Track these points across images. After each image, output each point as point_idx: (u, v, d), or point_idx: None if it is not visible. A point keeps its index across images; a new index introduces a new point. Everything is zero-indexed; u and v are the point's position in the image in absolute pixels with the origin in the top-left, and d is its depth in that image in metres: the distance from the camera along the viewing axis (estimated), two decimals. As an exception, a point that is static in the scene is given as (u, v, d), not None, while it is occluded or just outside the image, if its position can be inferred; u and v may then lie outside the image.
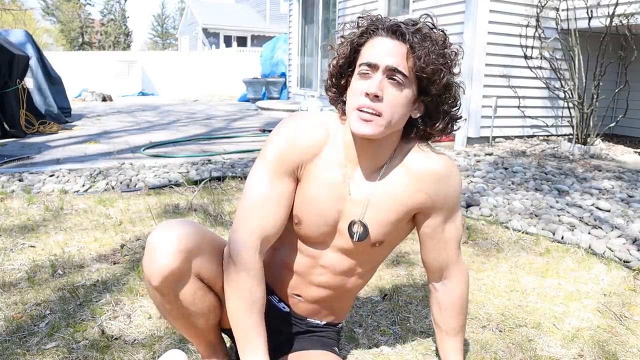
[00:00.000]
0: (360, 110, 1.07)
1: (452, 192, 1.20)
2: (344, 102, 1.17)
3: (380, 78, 1.05)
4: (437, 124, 1.17)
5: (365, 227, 1.19)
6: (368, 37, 1.10)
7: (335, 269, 1.25)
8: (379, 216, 1.18)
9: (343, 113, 1.18)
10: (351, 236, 1.20)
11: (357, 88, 1.08)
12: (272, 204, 1.14)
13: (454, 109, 1.17)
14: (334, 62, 1.16)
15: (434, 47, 1.07)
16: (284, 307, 1.33)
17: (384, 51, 1.06)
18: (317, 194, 1.17)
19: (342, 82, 1.17)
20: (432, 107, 1.14)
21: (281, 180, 1.15)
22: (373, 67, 1.06)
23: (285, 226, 1.19)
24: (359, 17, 1.15)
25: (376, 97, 1.05)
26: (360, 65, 1.09)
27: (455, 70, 1.12)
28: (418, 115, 1.15)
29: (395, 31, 1.07)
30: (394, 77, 1.06)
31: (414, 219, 1.24)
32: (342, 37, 1.15)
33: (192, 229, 1.14)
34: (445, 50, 1.10)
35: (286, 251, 1.27)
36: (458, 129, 1.20)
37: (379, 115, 1.06)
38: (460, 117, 1.20)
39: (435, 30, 1.10)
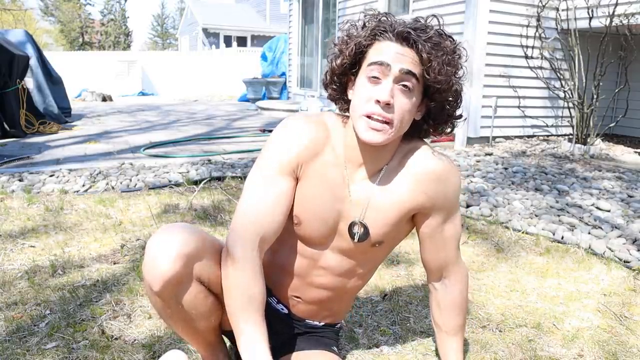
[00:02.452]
0: (370, 118, 1.05)
1: (452, 193, 1.20)
2: (345, 100, 1.16)
3: (392, 85, 1.04)
4: (440, 126, 1.17)
5: (365, 227, 1.18)
6: (374, 40, 1.07)
7: (335, 270, 1.25)
8: (379, 217, 1.18)
9: (345, 111, 1.18)
10: (352, 237, 1.20)
11: (366, 94, 1.06)
12: (271, 202, 1.13)
13: (457, 110, 1.16)
14: (338, 61, 1.12)
15: (446, 57, 1.05)
16: (282, 309, 1.33)
17: (394, 55, 1.04)
18: (317, 194, 1.16)
19: (344, 79, 1.15)
20: (436, 110, 1.14)
21: (280, 179, 1.14)
22: (385, 67, 1.03)
23: (285, 228, 1.18)
24: (365, 15, 1.11)
25: (387, 105, 1.04)
26: (369, 65, 1.06)
27: (460, 73, 1.11)
28: (420, 116, 1.15)
29: (407, 38, 1.04)
30: (405, 83, 1.04)
31: (413, 219, 1.24)
32: (347, 36, 1.11)
33: (191, 232, 1.12)
34: (455, 56, 1.08)
35: (285, 253, 1.26)
36: (457, 127, 1.20)
37: (389, 123, 1.05)
38: (461, 116, 1.19)
39: (444, 35, 1.08)
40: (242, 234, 1.11)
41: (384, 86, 1.04)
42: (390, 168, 1.17)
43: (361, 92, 1.07)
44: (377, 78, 1.05)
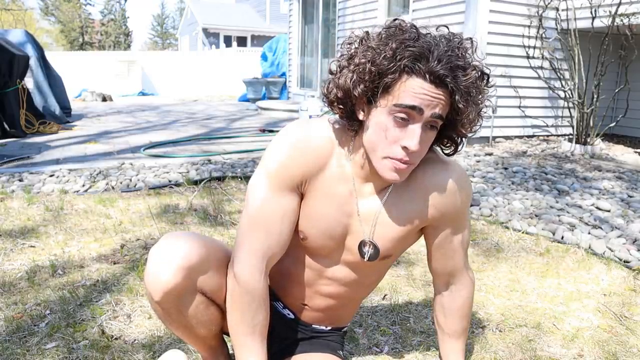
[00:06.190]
0: (393, 160, 1.00)
1: (463, 204, 1.16)
2: (355, 119, 1.06)
3: (420, 131, 0.97)
4: (450, 148, 1.12)
5: (376, 247, 1.15)
6: (403, 73, 0.96)
7: (342, 280, 1.23)
8: (388, 232, 1.15)
9: (351, 128, 1.08)
10: (362, 256, 1.17)
11: (392, 136, 0.99)
12: (276, 222, 1.09)
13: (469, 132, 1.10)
14: (359, 89, 0.99)
15: (481, 99, 1.01)
16: (288, 314, 1.31)
17: (428, 100, 0.96)
18: (323, 209, 1.12)
19: (357, 102, 1.05)
20: (450, 133, 1.09)
21: (284, 196, 1.09)
22: (417, 111, 0.96)
23: (291, 240, 1.16)
24: (388, 31, 0.98)
25: (414, 152, 0.99)
26: (397, 106, 0.96)
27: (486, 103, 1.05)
28: None
29: (443, 81, 0.95)
30: (433, 124, 0.99)
31: (422, 230, 1.21)
32: (370, 62, 0.97)
33: (195, 243, 1.10)
34: (487, 97, 1.03)
35: (292, 263, 1.24)
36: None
37: (413, 163, 1.02)
38: (466, 135, 1.13)
39: (480, 72, 0.99)
40: (250, 261, 1.09)
41: (413, 132, 0.97)
42: (399, 182, 1.11)
43: (386, 133, 0.99)
44: (405, 120, 0.98)
